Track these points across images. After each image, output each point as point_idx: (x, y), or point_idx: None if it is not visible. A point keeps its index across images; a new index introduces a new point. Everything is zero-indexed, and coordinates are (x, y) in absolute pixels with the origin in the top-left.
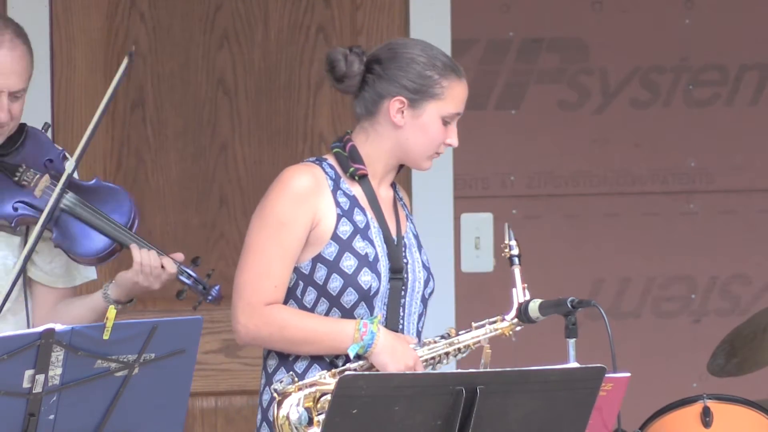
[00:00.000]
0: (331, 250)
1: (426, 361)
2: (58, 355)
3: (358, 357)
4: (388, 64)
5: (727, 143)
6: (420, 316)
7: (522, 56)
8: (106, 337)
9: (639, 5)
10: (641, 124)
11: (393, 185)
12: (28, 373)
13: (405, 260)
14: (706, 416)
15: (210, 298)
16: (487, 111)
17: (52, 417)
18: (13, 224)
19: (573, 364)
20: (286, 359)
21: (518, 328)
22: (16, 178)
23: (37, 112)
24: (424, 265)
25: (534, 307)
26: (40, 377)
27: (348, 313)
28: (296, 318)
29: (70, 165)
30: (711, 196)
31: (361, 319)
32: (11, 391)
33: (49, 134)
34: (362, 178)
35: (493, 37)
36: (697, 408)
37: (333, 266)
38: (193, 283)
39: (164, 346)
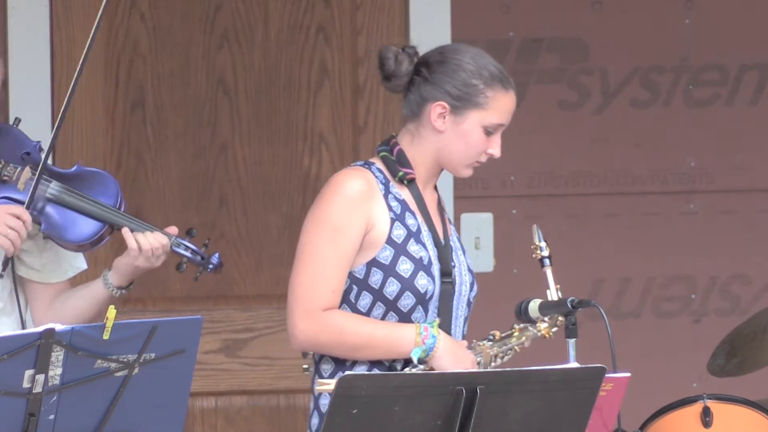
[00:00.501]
0: (386, 254)
1: (478, 364)
2: (58, 355)
3: (418, 361)
4: (435, 67)
5: (727, 143)
6: (465, 319)
7: (522, 56)
8: (106, 337)
9: (639, 5)
10: (641, 124)
11: (436, 188)
12: (28, 373)
13: (453, 263)
14: (706, 416)
15: (211, 266)
16: None
17: (52, 417)
18: None
19: (573, 364)
20: (342, 364)
21: (554, 330)
22: None
23: (37, 112)
24: (468, 268)
25: (534, 307)
26: (40, 377)
27: (405, 317)
28: (355, 323)
29: (48, 148)
30: (711, 196)
31: (420, 323)
32: (11, 391)
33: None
34: (410, 182)
35: (493, 37)
36: (697, 408)
37: (389, 270)
38: (191, 255)
39: (164, 346)
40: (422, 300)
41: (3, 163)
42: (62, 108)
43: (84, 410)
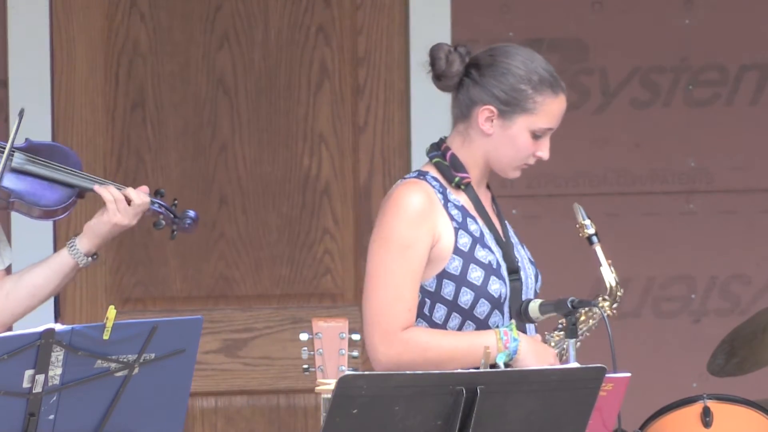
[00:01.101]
0: (455, 265)
1: (560, 356)
2: (58, 355)
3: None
4: (485, 70)
5: (727, 143)
6: None
7: None
8: (106, 337)
9: (639, 5)
10: (641, 124)
11: (488, 186)
12: (28, 373)
13: (517, 260)
14: (706, 416)
15: (189, 221)
16: None
17: (52, 417)
18: None
19: (573, 364)
20: None
21: (615, 305)
22: None
23: (37, 112)
24: (530, 260)
25: (534, 307)
26: (40, 377)
27: (482, 324)
28: (436, 338)
29: (14, 125)
30: (711, 196)
31: (498, 327)
32: (11, 391)
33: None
34: (467, 186)
35: (493, 37)
36: (697, 408)
37: (461, 280)
38: (165, 212)
39: (164, 346)
40: (497, 304)
41: None
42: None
43: (84, 410)
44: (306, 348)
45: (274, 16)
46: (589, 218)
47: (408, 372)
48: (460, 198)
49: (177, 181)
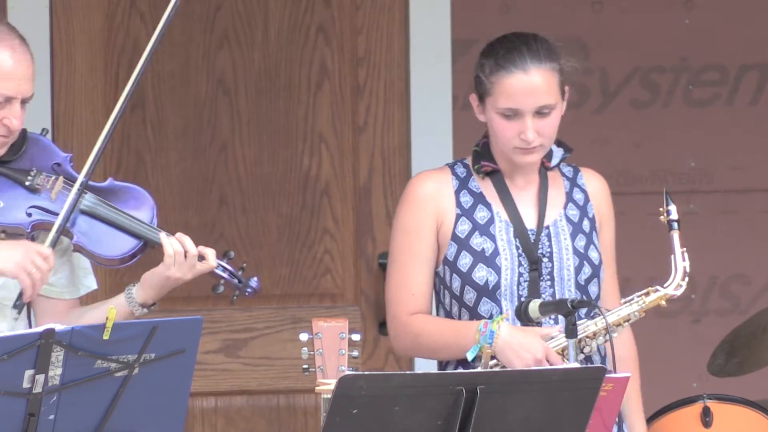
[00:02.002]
0: (451, 251)
1: (566, 347)
2: (58, 355)
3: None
4: (477, 59)
5: (727, 143)
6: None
7: None
8: (106, 337)
9: (639, 5)
10: (641, 124)
11: (544, 172)
12: (28, 373)
13: (548, 250)
14: (706, 416)
15: (249, 290)
16: None
17: (52, 417)
18: (29, 230)
19: (573, 364)
20: (440, 363)
21: (679, 292)
22: (28, 183)
23: (37, 113)
24: (575, 251)
25: (534, 307)
26: (40, 377)
27: (473, 312)
28: (430, 325)
29: (91, 157)
30: (711, 196)
31: (492, 316)
32: (11, 391)
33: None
34: (493, 174)
35: (493, 37)
36: (697, 408)
37: (453, 266)
38: (229, 276)
39: (164, 346)
40: (485, 292)
41: (35, 171)
42: (110, 124)
43: (84, 410)
44: (306, 348)
45: (274, 16)
46: (674, 204)
47: (408, 372)
48: (483, 185)
49: (177, 181)
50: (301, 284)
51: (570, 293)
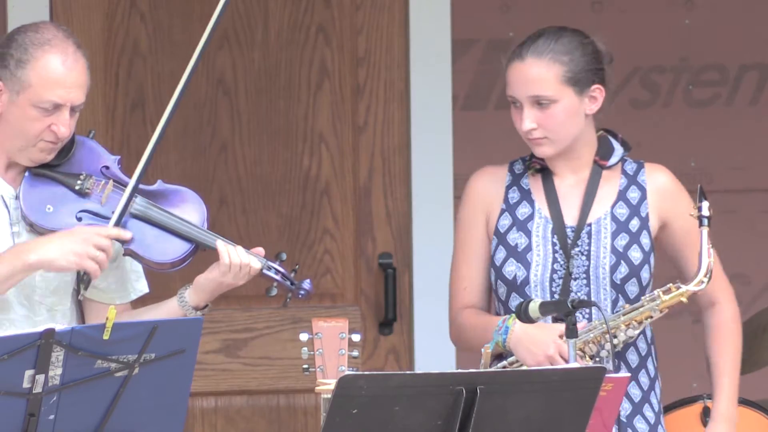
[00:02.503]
0: (493, 246)
1: (587, 342)
2: (58, 355)
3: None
4: None
5: (727, 143)
6: (615, 302)
7: None
8: (106, 337)
9: (639, 5)
10: (641, 124)
11: (597, 170)
12: (28, 373)
13: (587, 248)
14: (706, 416)
15: (302, 292)
16: (487, 111)
17: (52, 417)
18: None
19: (573, 364)
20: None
21: (701, 288)
22: (78, 187)
23: None
24: (614, 250)
25: (534, 307)
26: (40, 377)
27: (506, 306)
28: (471, 320)
29: (143, 160)
30: (711, 196)
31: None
32: (11, 391)
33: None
34: (544, 170)
35: (493, 37)
36: (697, 408)
37: (492, 261)
38: (281, 279)
39: (164, 346)
40: (514, 287)
41: (85, 175)
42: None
43: (84, 410)
44: (306, 348)
45: (274, 16)
46: (707, 201)
47: (408, 372)
48: (533, 181)
49: (177, 181)
50: None
51: (605, 292)
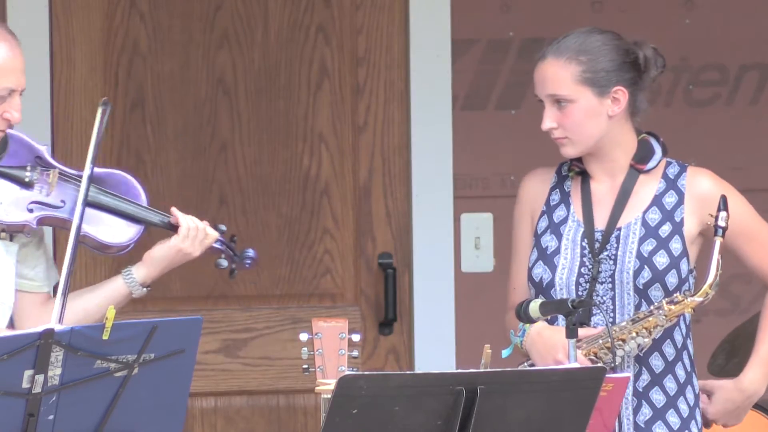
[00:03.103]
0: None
1: (600, 348)
2: (57, 355)
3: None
4: None
5: (727, 143)
6: (638, 306)
7: (522, 56)
8: (105, 337)
9: (639, 5)
10: (641, 124)
11: (633, 174)
12: (28, 373)
13: (614, 252)
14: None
15: (248, 261)
16: (487, 111)
17: (51, 417)
18: (35, 226)
19: (573, 364)
20: None
21: (704, 299)
22: (28, 179)
23: (37, 113)
24: (639, 255)
25: (534, 307)
26: (40, 377)
27: None
28: (512, 321)
29: (92, 148)
30: None
31: None
32: (10, 391)
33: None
34: (581, 174)
35: (493, 37)
36: None
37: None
38: (226, 249)
39: (164, 346)
40: (540, 289)
41: (30, 167)
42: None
43: (83, 410)
44: (306, 348)
45: (274, 15)
46: (727, 211)
47: (408, 372)
48: (573, 184)
49: (177, 181)
50: (301, 284)
51: (629, 296)
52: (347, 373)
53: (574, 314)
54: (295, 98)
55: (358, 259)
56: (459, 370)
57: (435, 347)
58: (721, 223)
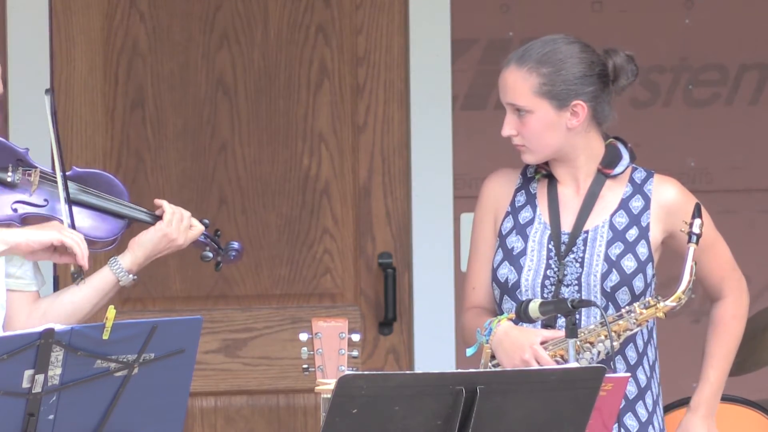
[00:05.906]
0: (496, 247)
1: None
2: (57, 355)
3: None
4: None
5: (727, 143)
6: (605, 310)
7: None
8: (105, 337)
9: (639, 5)
10: (641, 124)
11: (600, 179)
12: (28, 373)
13: (581, 255)
14: None
15: (233, 253)
16: (487, 111)
17: (51, 417)
18: (20, 224)
19: (573, 364)
20: None
21: (676, 304)
22: (10, 179)
23: (36, 112)
24: (606, 258)
25: (534, 307)
26: (40, 377)
27: (499, 309)
28: (470, 321)
29: (54, 149)
30: (711, 196)
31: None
32: (11, 391)
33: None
34: (545, 175)
35: (493, 37)
36: None
37: (492, 263)
38: (210, 243)
39: (164, 346)
40: (505, 290)
41: (11, 167)
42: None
43: (83, 410)
44: (306, 348)
45: (274, 15)
46: (701, 219)
47: (408, 372)
48: (540, 187)
49: (176, 181)
50: (300, 284)
51: (596, 299)
52: (347, 372)
53: (574, 314)
54: (295, 98)
55: (357, 258)
56: (459, 370)
57: (435, 347)
58: (696, 230)
